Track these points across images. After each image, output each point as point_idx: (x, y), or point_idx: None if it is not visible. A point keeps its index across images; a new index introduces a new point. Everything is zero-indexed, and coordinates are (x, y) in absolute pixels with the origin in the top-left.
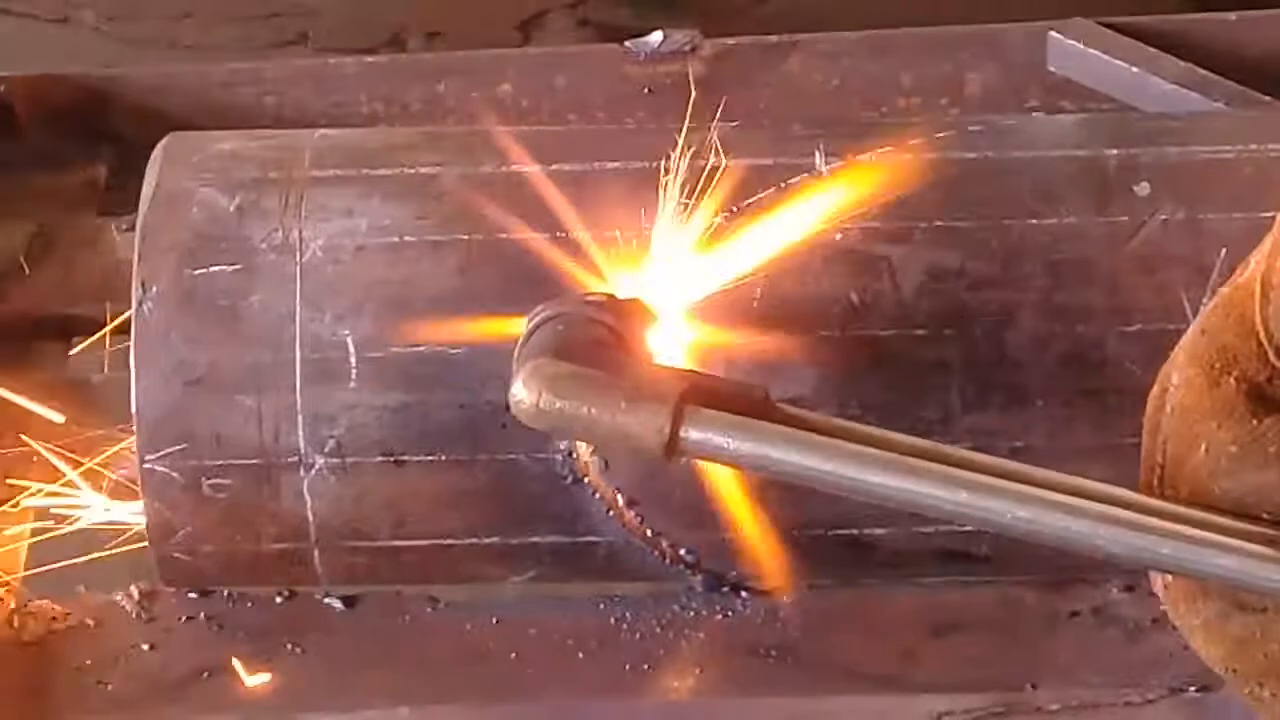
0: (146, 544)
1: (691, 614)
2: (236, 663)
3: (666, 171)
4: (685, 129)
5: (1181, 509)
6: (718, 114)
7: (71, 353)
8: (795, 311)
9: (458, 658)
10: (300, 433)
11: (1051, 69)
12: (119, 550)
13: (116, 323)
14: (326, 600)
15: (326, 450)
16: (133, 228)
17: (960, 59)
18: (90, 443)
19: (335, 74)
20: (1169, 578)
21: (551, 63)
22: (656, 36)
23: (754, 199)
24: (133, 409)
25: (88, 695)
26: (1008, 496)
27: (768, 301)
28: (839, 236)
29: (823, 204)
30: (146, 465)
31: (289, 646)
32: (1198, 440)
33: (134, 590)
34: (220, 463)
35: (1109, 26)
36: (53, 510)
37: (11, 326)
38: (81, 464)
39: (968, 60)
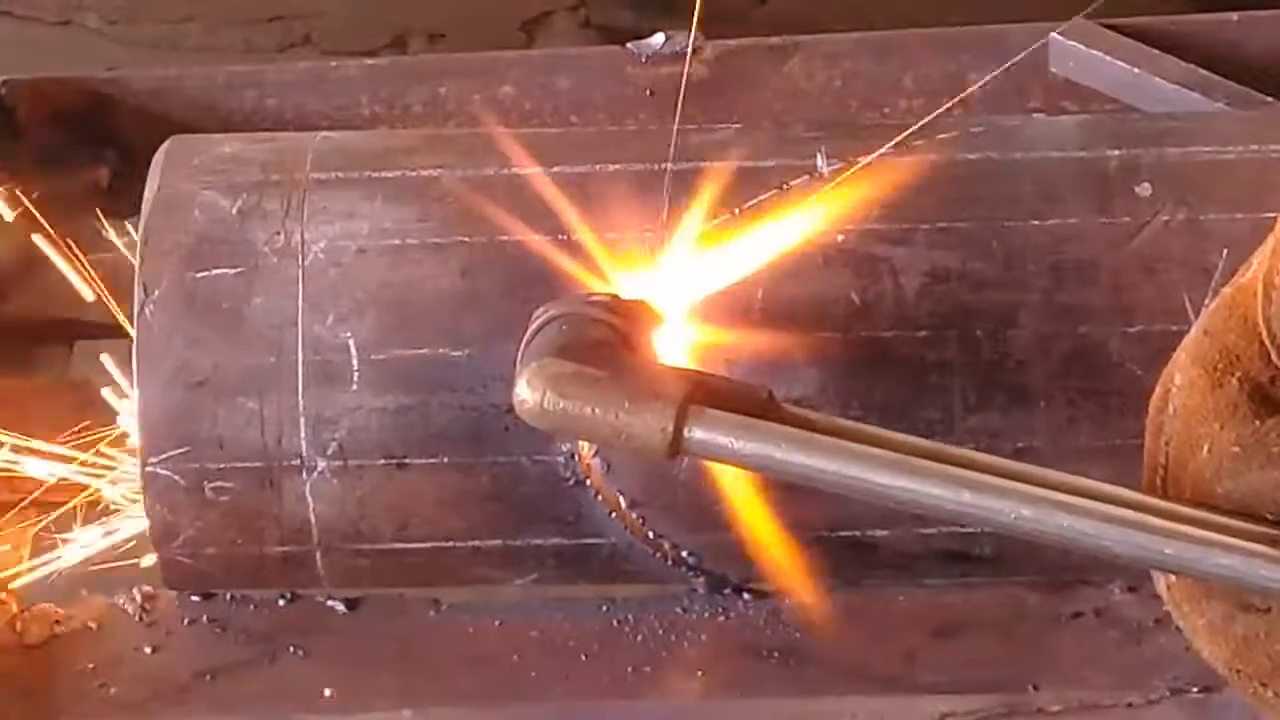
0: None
1: (694, 616)
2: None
3: (668, 173)
4: (687, 130)
5: (1185, 509)
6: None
7: (73, 355)
8: (797, 312)
9: (460, 660)
10: (302, 435)
11: (1053, 70)
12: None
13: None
14: (329, 603)
15: (329, 453)
16: (135, 230)
17: (962, 60)
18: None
19: (337, 77)
20: (1173, 578)
21: (553, 65)
22: (658, 38)
23: (756, 200)
24: (135, 412)
25: (90, 698)
26: (1012, 496)
27: (770, 302)
28: (841, 238)
29: (824, 205)
30: (149, 468)
31: (291, 649)
32: (1200, 441)
33: (136, 593)
34: (222, 465)
35: (1110, 27)
36: (55, 512)
37: (14, 329)
38: (84, 466)
39: (969, 61)
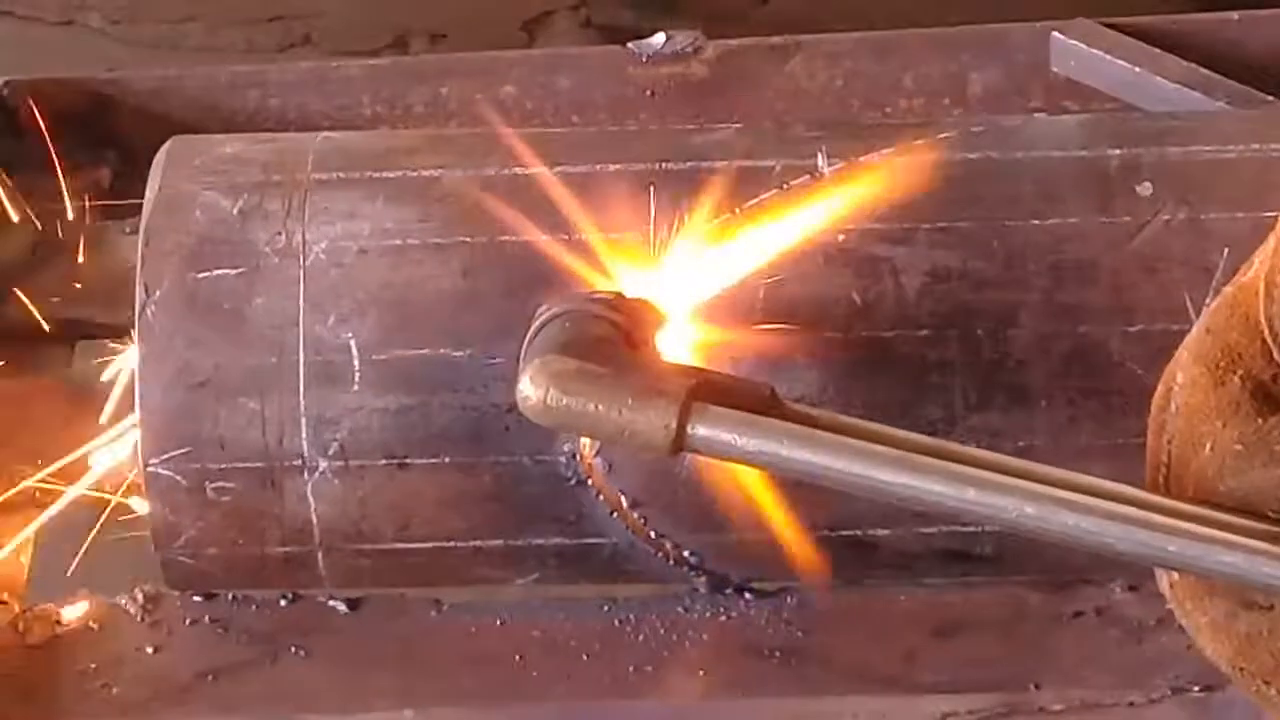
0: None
1: (695, 615)
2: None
3: (669, 173)
4: (688, 130)
5: (1188, 507)
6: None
7: (75, 355)
8: (798, 312)
9: (462, 660)
10: (304, 436)
11: (1054, 69)
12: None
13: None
14: (330, 603)
15: (330, 453)
16: (136, 231)
17: (963, 59)
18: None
19: (338, 77)
20: (1175, 576)
21: (554, 64)
22: (659, 38)
23: (756, 200)
24: (136, 412)
25: (92, 698)
26: (1015, 493)
27: (770, 303)
28: (841, 237)
29: (825, 205)
30: (150, 468)
31: (293, 649)
32: (1203, 439)
33: (138, 593)
34: (224, 466)
35: (1112, 26)
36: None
37: (15, 330)
38: (86, 467)
39: (970, 61)
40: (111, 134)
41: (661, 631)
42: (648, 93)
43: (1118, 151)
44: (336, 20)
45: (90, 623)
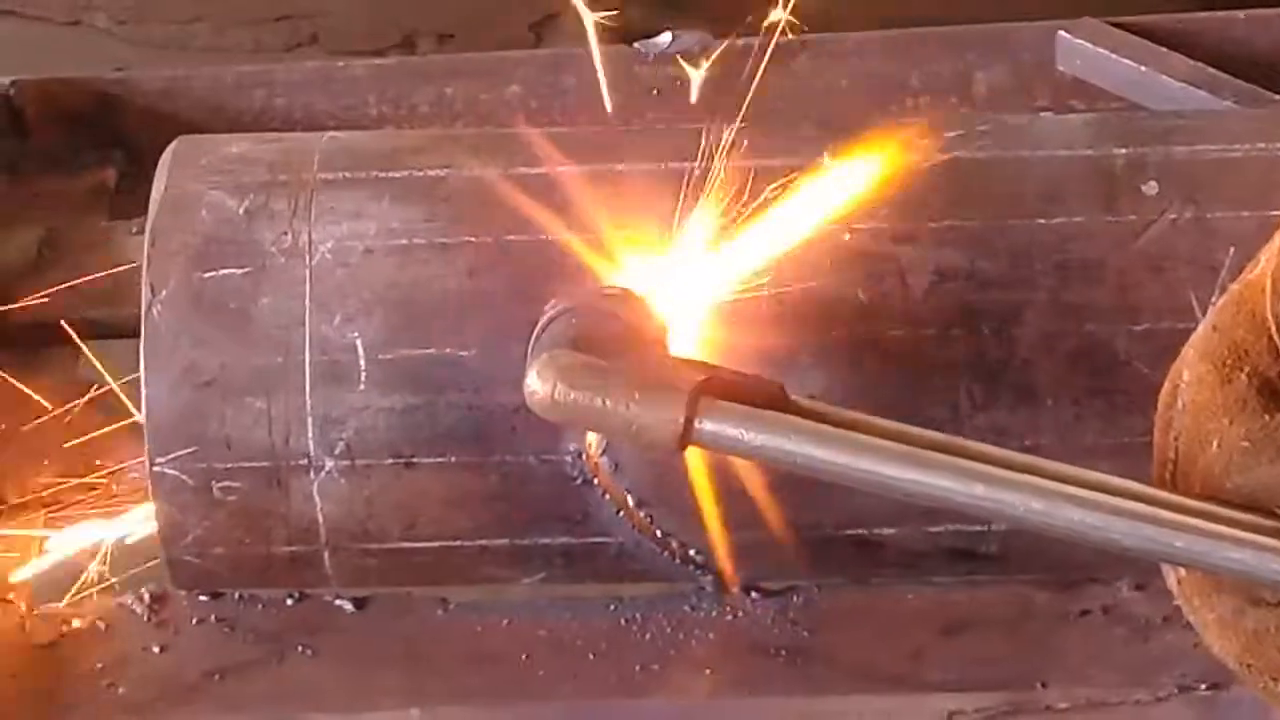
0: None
1: (701, 614)
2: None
3: (675, 172)
4: (693, 129)
5: (1194, 503)
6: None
7: (81, 356)
8: (804, 311)
9: (468, 659)
10: (310, 435)
11: (1060, 68)
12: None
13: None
14: (337, 602)
15: (336, 452)
16: (142, 231)
17: (969, 59)
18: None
19: (344, 77)
20: (1183, 573)
21: (560, 64)
22: (665, 37)
23: (762, 199)
24: (142, 412)
25: (98, 698)
26: (1023, 489)
27: (776, 301)
28: (847, 236)
29: (830, 204)
30: (156, 468)
31: (299, 648)
32: (1210, 436)
33: (144, 593)
34: (230, 465)
35: (1118, 25)
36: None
37: (21, 329)
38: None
39: (976, 60)
40: (118, 134)
41: (668, 630)
42: (654, 92)
43: (1124, 150)
44: (344, 20)
45: (97, 622)
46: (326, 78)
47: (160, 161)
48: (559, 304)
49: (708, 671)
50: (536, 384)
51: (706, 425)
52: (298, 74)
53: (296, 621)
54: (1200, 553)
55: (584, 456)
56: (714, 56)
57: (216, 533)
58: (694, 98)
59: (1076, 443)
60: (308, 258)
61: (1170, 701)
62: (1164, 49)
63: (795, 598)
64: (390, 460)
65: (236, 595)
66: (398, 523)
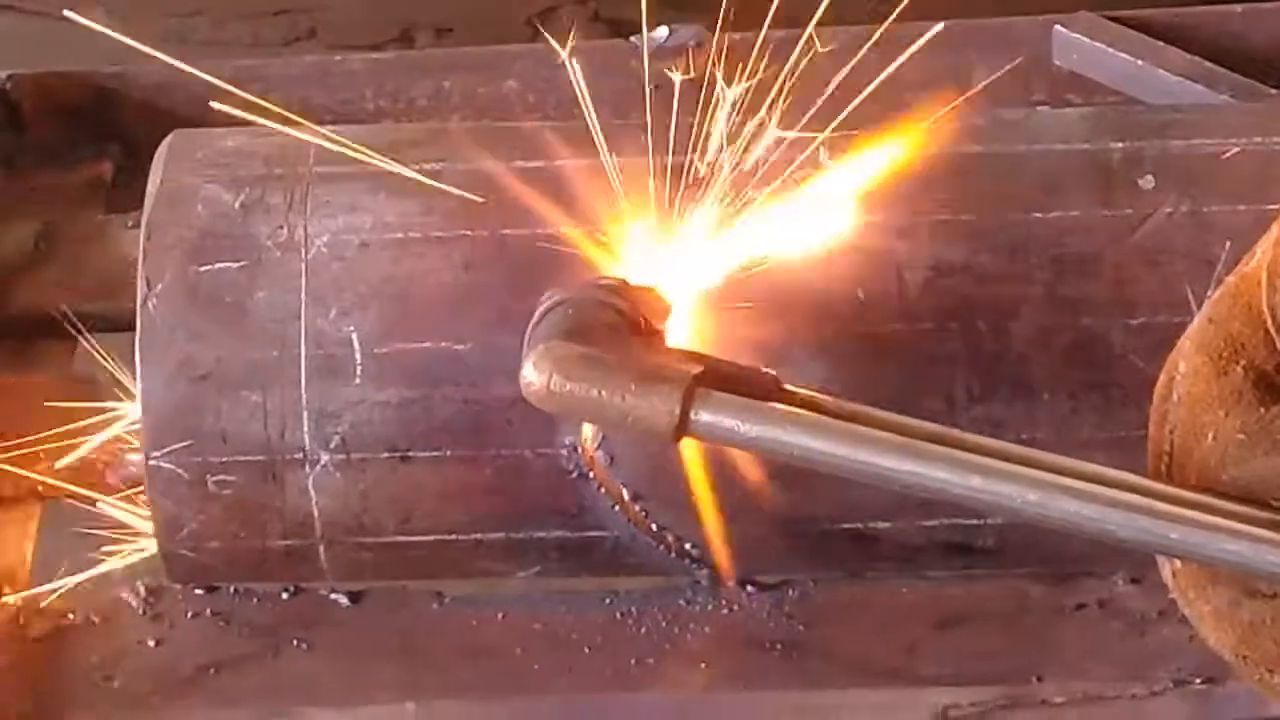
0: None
1: (697, 608)
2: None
3: (672, 166)
4: (691, 123)
5: (1190, 495)
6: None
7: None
8: (800, 305)
9: (463, 653)
10: (305, 429)
11: (1057, 62)
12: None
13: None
14: (332, 596)
15: (332, 446)
16: (138, 224)
17: (966, 53)
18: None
19: (341, 71)
20: (1178, 564)
21: (556, 58)
22: (662, 31)
23: (759, 193)
24: (138, 406)
25: (94, 691)
26: (1019, 481)
27: (773, 295)
28: (844, 230)
29: (828, 198)
30: (152, 462)
31: (294, 642)
32: (1205, 428)
33: (140, 587)
34: (225, 459)
35: (1114, 19)
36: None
37: (17, 323)
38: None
39: (973, 54)
40: (114, 128)
41: (663, 624)
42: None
43: (1120, 145)
44: (342, 14)
45: (92, 616)
46: (323, 72)
47: (156, 155)
48: (555, 295)
49: (703, 665)
50: (532, 375)
51: (702, 416)
52: (294, 68)
53: (291, 615)
54: (1196, 544)
55: (580, 450)
56: (711, 51)
57: (212, 526)
58: (691, 92)
59: (1072, 436)
60: (303, 251)
61: (1166, 696)
62: (1160, 43)
63: (790, 591)
64: (386, 454)
65: (232, 589)
66: (393, 516)
